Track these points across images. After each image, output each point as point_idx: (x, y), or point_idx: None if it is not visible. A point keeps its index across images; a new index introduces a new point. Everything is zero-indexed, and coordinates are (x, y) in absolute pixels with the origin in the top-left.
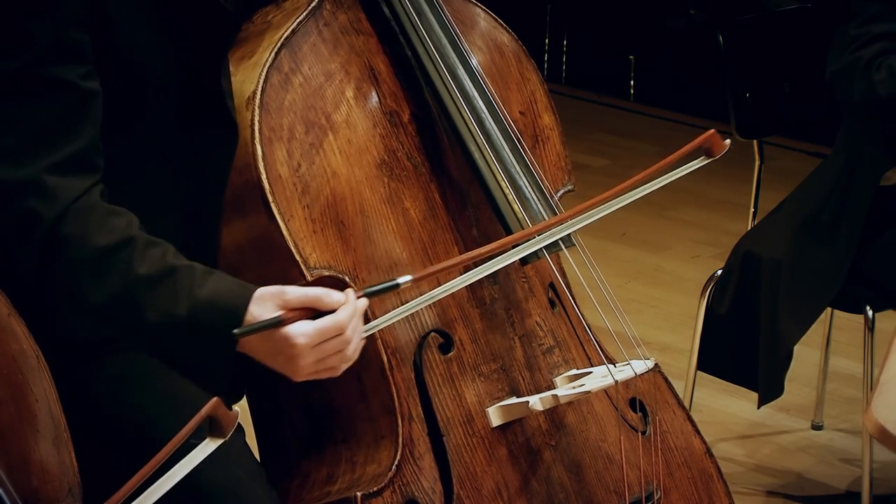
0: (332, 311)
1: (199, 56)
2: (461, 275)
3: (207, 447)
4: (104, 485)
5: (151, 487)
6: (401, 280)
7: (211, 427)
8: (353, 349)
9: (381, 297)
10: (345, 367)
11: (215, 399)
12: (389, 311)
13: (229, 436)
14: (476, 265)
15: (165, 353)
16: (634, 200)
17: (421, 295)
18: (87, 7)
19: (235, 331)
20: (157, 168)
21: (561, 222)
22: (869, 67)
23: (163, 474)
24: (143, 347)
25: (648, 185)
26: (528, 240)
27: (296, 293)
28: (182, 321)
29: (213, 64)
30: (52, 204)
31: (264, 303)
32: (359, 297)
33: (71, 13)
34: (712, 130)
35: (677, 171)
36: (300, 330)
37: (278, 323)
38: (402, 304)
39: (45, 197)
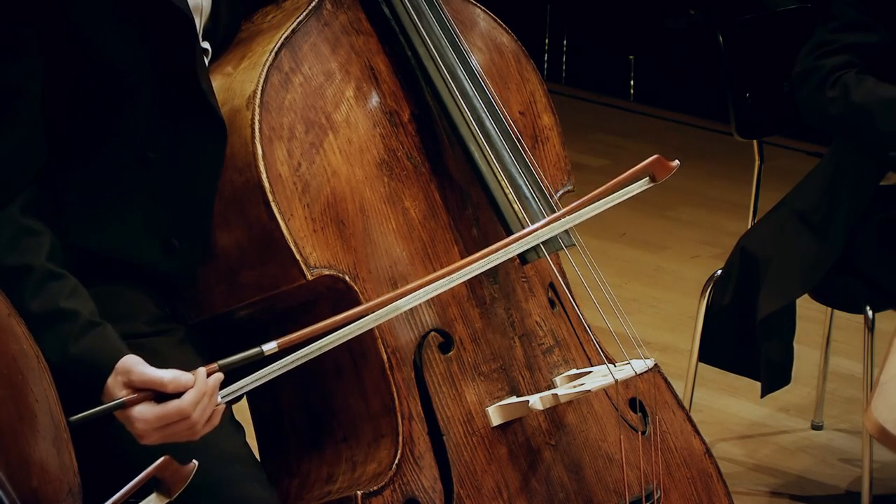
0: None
1: (170, 57)
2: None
3: None
4: (105, 484)
5: None
6: (265, 347)
7: (157, 486)
8: (203, 426)
9: (239, 365)
10: (200, 435)
11: (164, 458)
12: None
13: (175, 496)
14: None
15: None
16: (577, 224)
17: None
18: (35, 4)
19: (71, 418)
20: (135, 170)
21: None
22: (825, 81)
23: None
24: None
25: (593, 206)
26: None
27: (140, 375)
28: (54, 368)
29: (186, 64)
30: None
31: (117, 377)
32: (212, 373)
33: (6, 5)
34: (657, 156)
35: (621, 193)
36: (140, 415)
37: (120, 406)
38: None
39: None
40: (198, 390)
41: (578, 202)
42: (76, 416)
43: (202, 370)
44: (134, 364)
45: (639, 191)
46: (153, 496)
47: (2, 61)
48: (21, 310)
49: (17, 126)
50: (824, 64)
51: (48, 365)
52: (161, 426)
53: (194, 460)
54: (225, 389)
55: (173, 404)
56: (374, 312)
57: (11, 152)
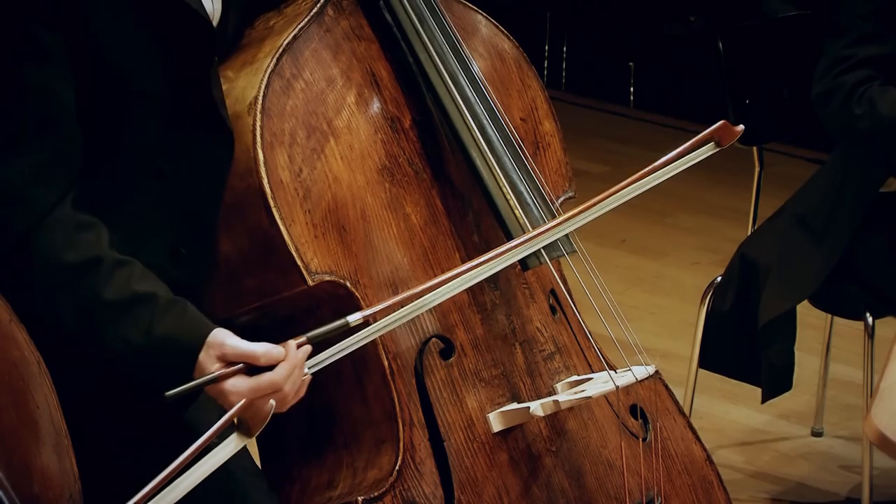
0: (272, 367)
1: (186, 65)
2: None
3: (231, 445)
4: (106, 491)
5: (175, 482)
6: (350, 318)
7: (239, 426)
8: (294, 396)
9: (327, 336)
10: (288, 407)
11: (245, 400)
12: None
13: (255, 435)
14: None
15: (123, 374)
16: (645, 191)
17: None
18: (62, 11)
19: (168, 393)
20: (146, 178)
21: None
22: (850, 98)
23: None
24: (103, 366)
25: (659, 173)
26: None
27: (233, 348)
28: (139, 352)
29: (200, 73)
30: (24, 214)
31: (209, 351)
32: (301, 346)
33: (37, 11)
34: (723, 121)
35: (687, 158)
36: (234, 388)
37: (214, 380)
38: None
39: (16, 206)
40: (289, 363)
41: (647, 169)
42: (172, 392)
43: (292, 343)
44: (225, 337)
45: (704, 157)
46: (234, 435)
47: (39, 65)
48: (96, 301)
49: (61, 127)
50: (846, 80)
51: (131, 350)
52: (254, 398)
53: (272, 400)
54: (310, 360)
55: (266, 377)
56: (446, 285)
57: (58, 153)
